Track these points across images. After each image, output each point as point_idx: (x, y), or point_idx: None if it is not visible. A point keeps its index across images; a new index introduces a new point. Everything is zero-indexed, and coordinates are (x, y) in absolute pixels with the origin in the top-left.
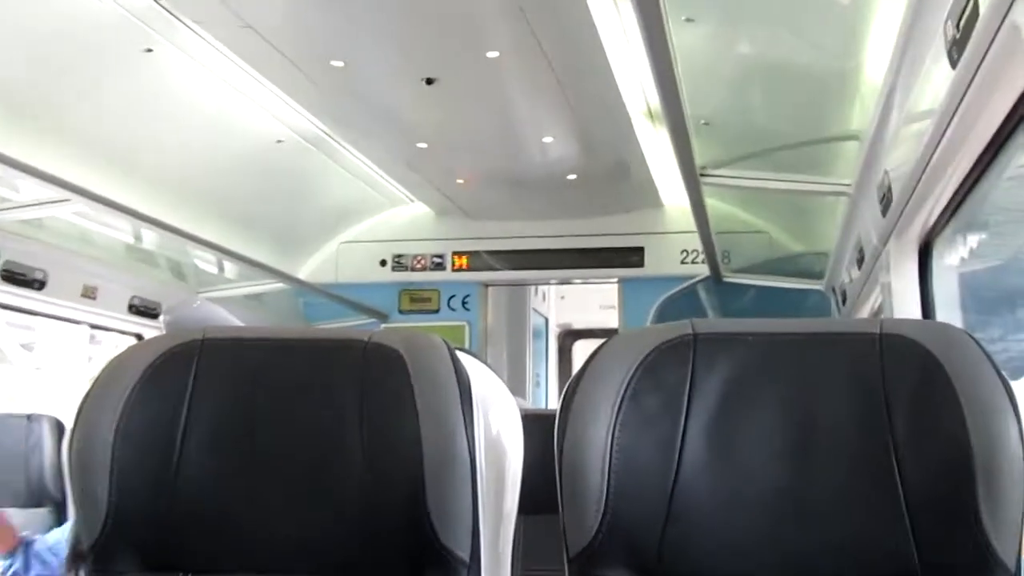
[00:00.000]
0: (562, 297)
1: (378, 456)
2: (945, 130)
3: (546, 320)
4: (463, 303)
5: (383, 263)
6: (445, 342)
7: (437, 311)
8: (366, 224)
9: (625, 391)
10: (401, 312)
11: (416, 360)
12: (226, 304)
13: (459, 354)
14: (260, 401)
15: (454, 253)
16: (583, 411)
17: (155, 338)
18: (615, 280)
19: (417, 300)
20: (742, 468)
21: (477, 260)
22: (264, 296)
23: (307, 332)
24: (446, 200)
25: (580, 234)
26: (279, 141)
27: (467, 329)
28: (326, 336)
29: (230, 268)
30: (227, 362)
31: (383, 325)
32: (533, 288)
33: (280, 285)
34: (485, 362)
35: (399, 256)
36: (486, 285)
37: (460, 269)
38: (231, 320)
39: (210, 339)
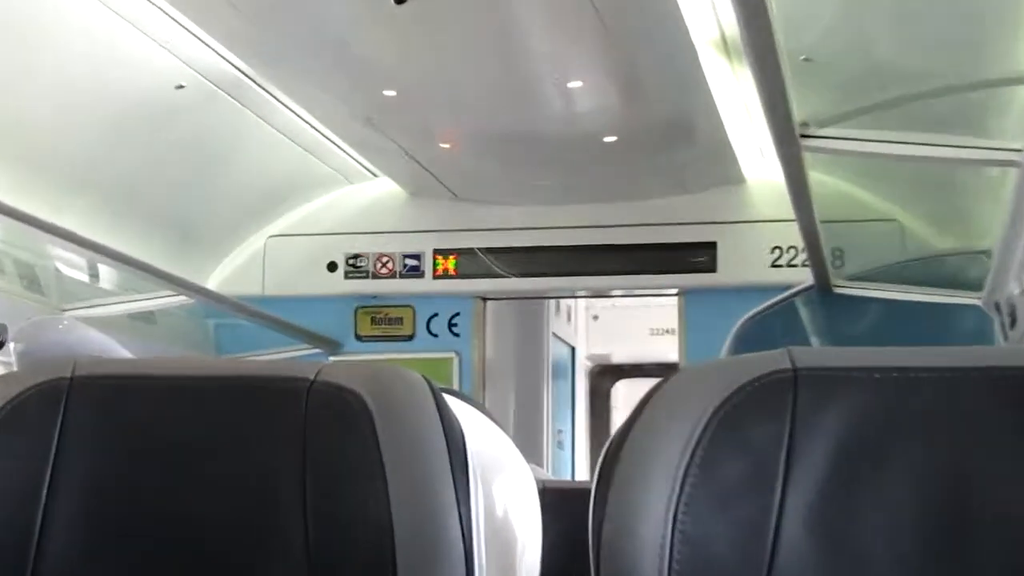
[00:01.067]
0: (595, 317)
1: (326, 545)
2: None
3: (572, 351)
4: (450, 326)
5: (332, 267)
6: (427, 380)
7: (411, 337)
8: (307, 210)
9: (693, 453)
10: (359, 339)
11: (385, 406)
12: (104, 327)
13: (448, 398)
14: (152, 465)
15: (436, 252)
16: (630, 483)
17: (0, 377)
18: (674, 291)
19: (382, 321)
20: (864, 563)
21: (470, 262)
22: (158, 316)
23: (222, 367)
24: (424, 174)
25: (622, 224)
26: (179, 87)
27: (456, 363)
28: (250, 373)
29: (108, 275)
30: (106, 409)
31: (332, 358)
32: (553, 304)
33: (181, 299)
34: (483, 410)
35: (355, 257)
36: (484, 299)
37: (445, 275)
38: (112, 350)
39: (82, 377)
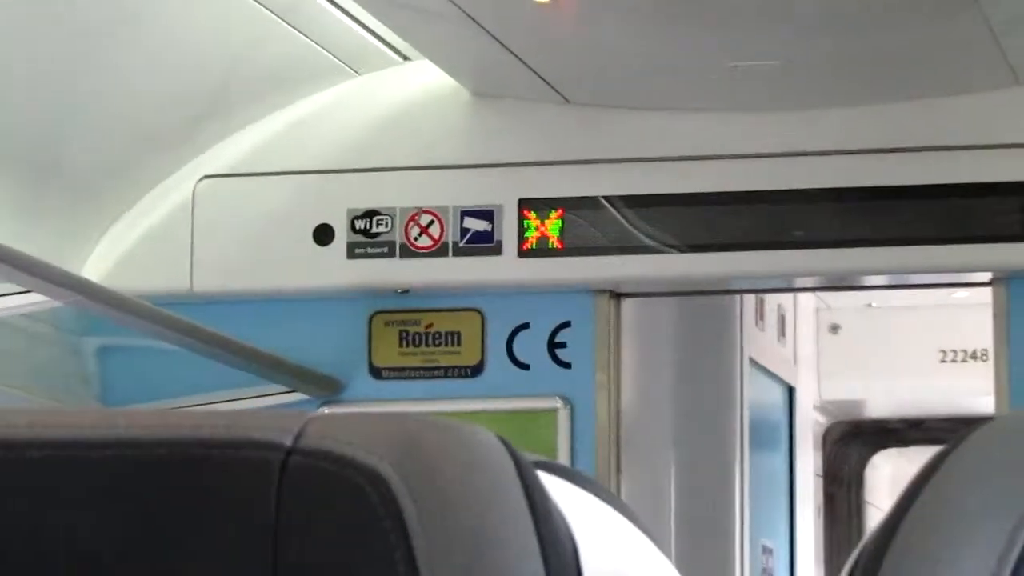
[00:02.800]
0: (834, 329)
1: None
2: None
3: (789, 393)
4: (552, 347)
5: (324, 236)
6: (506, 446)
7: (477, 369)
8: (273, 126)
9: None
10: (377, 373)
11: (425, 494)
12: None
13: (547, 479)
14: None
15: (525, 206)
16: None
17: None
18: (984, 278)
19: (421, 340)
20: None
21: (591, 224)
22: None
23: (125, 427)
24: (501, 55)
25: (879, 147)
26: None
27: (563, 417)
28: (176, 437)
29: None
30: None
31: (325, 409)
32: (752, 306)
33: (31, 300)
34: (616, 502)
35: (368, 217)
36: (617, 294)
37: (542, 249)
38: None
39: None
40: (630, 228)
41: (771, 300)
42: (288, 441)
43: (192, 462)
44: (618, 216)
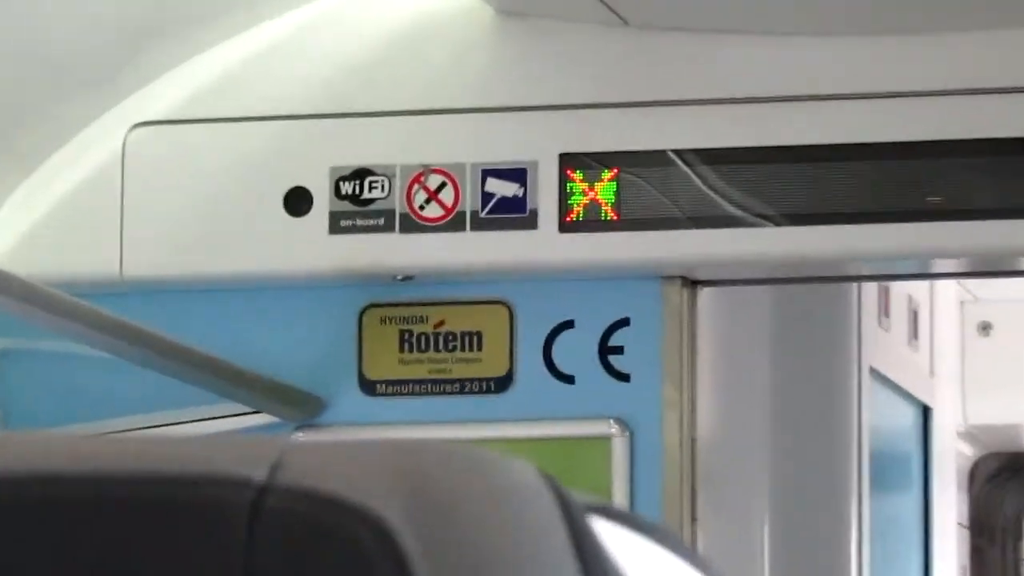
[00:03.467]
0: (985, 329)
1: None
2: None
3: (923, 415)
4: (604, 353)
5: (298, 203)
6: (550, 481)
7: (504, 382)
8: (229, 54)
9: None
10: (370, 387)
11: (440, 544)
12: None
13: (602, 526)
14: None
15: (568, 162)
16: None
17: None
18: None
19: (429, 342)
20: None
21: (659, 184)
22: None
23: (37, 448)
24: None
25: None
26: None
27: (621, 446)
28: (111, 470)
29: None
30: None
31: (299, 434)
32: (875, 296)
33: None
34: (690, 555)
35: (357, 178)
36: (692, 282)
37: (589, 219)
38: None
39: None
40: (710, 193)
41: (899, 290)
42: (260, 475)
43: (131, 504)
44: (694, 176)
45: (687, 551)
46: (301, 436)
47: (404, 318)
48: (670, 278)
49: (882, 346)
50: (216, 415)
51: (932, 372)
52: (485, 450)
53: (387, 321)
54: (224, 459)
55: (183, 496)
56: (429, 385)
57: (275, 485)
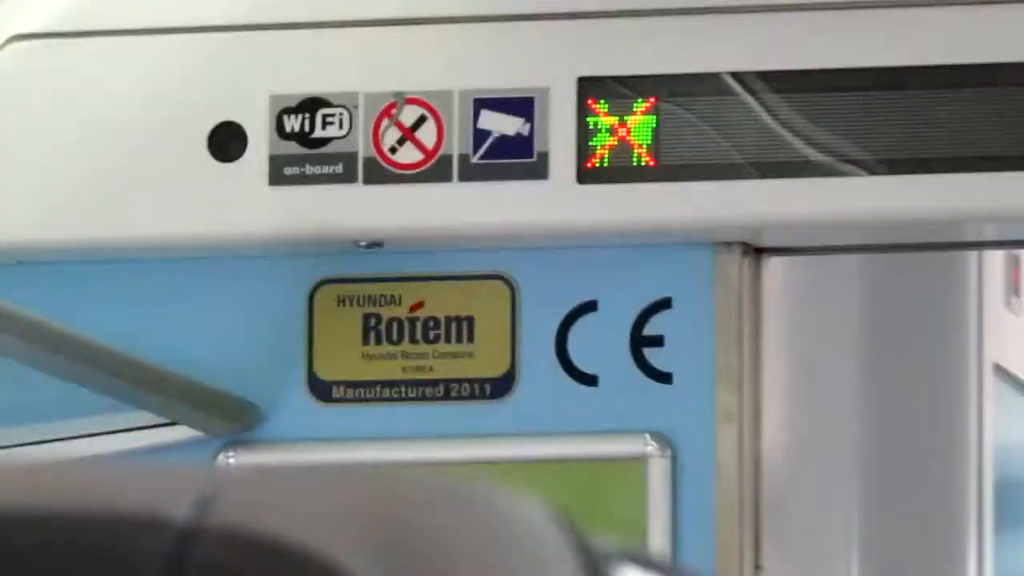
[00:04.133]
0: None
1: None
2: None
3: None
4: (637, 342)
5: (228, 141)
6: (559, 523)
7: (506, 382)
8: None
9: None
10: (324, 392)
11: None
12: None
13: None
14: None
15: (588, 88)
16: None
17: None
18: None
19: (397, 336)
20: None
21: (711, 119)
22: None
23: None
24: None
25: None
26: None
27: (659, 467)
28: None
29: None
30: None
31: (232, 455)
32: (1003, 269)
33: None
34: None
35: (306, 109)
36: (754, 250)
37: (620, 169)
38: None
39: None
40: (779, 129)
41: None
42: (183, 515)
43: (14, 552)
44: (758, 108)
45: None
46: (233, 458)
47: (369, 298)
48: (727, 245)
49: (1011, 336)
50: (119, 428)
51: None
52: (480, 483)
53: (347, 302)
54: (136, 493)
55: (83, 544)
56: (403, 388)
57: (203, 528)
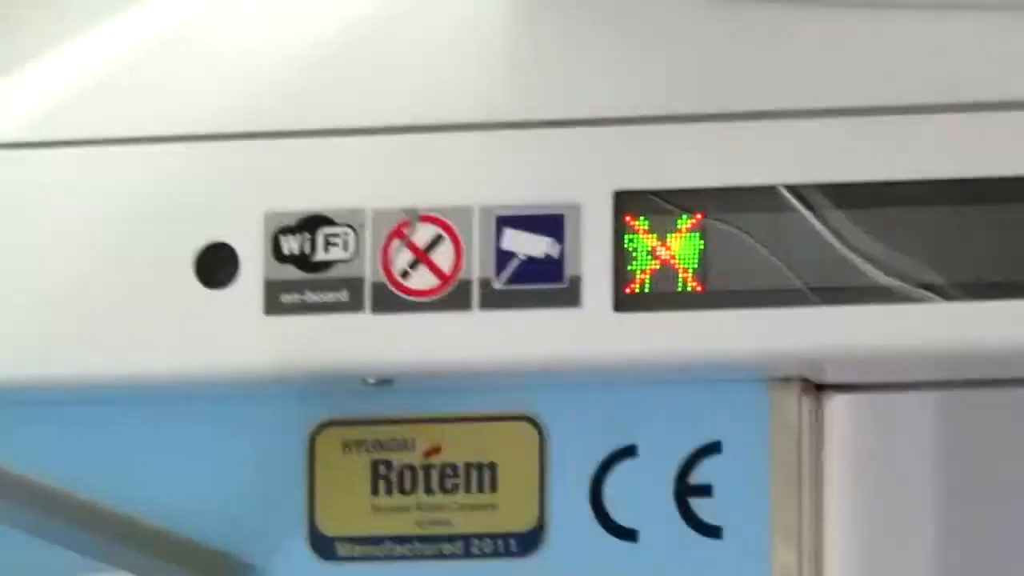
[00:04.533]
0: None
1: None
2: None
3: None
4: (683, 492)
5: (218, 264)
6: None
7: (533, 537)
8: (111, 34)
9: None
10: (326, 546)
11: None
12: None
13: None
14: None
15: (625, 203)
16: None
17: None
18: None
19: (411, 486)
20: None
21: (766, 239)
22: None
23: None
24: None
25: None
26: None
27: None
28: None
29: None
30: None
31: None
32: None
33: None
34: None
35: (307, 227)
36: (815, 387)
37: (662, 295)
38: None
39: None
40: (843, 250)
41: None
42: None
43: None
44: (818, 225)
45: None
46: None
47: (379, 443)
48: (784, 381)
49: None
50: None
51: None
52: None
53: (353, 447)
54: None
55: None
56: (418, 544)
57: None
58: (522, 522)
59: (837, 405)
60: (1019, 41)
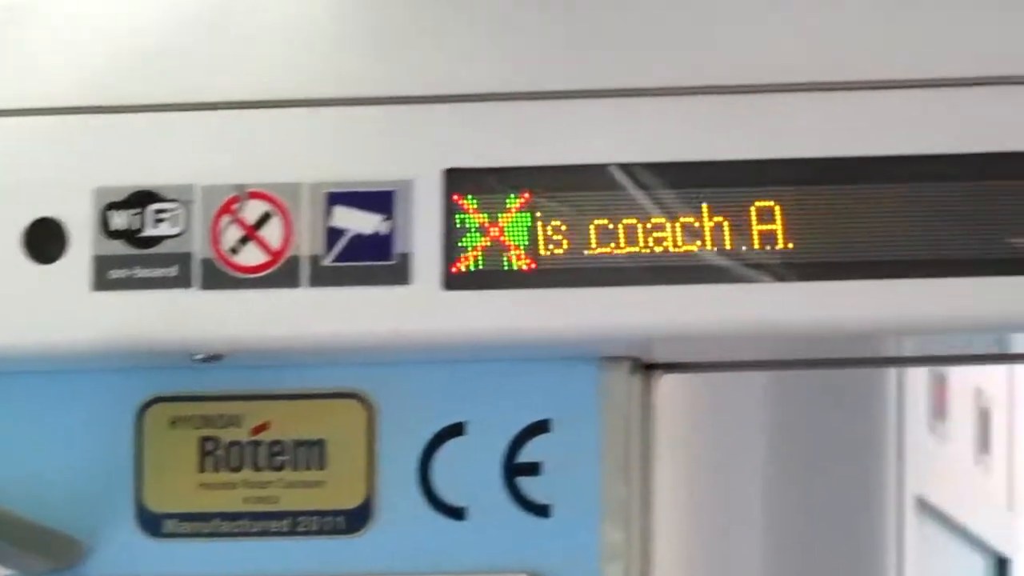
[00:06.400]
0: None
1: None
2: None
3: (998, 566)
4: (511, 470)
5: (46, 239)
6: None
7: (361, 514)
8: None
9: None
10: (153, 522)
11: None
12: None
13: None
14: None
15: (455, 180)
16: None
17: None
18: None
19: (238, 462)
20: None
21: (594, 215)
22: None
23: None
24: None
25: None
26: None
27: None
28: None
29: None
30: None
31: None
32: (928, 389)
33: None
34: None
35: (137, 203)
36: (644, 367)
37: (491, 273)
38: None
39: None
40: (675, 230)
41: (961, 381)
42: None
43: None
44: (650, 204)
45: None
46: None
47: (207, 418)
48: (613, 360)
49: (936, 465)
50: None
51: (1011, 505)
52: None
53: (181, 423)
54: None
55: None
56: (245, 521)
57: None
58: (350, 500)
59: (667, 385)
60: (818, 23)
